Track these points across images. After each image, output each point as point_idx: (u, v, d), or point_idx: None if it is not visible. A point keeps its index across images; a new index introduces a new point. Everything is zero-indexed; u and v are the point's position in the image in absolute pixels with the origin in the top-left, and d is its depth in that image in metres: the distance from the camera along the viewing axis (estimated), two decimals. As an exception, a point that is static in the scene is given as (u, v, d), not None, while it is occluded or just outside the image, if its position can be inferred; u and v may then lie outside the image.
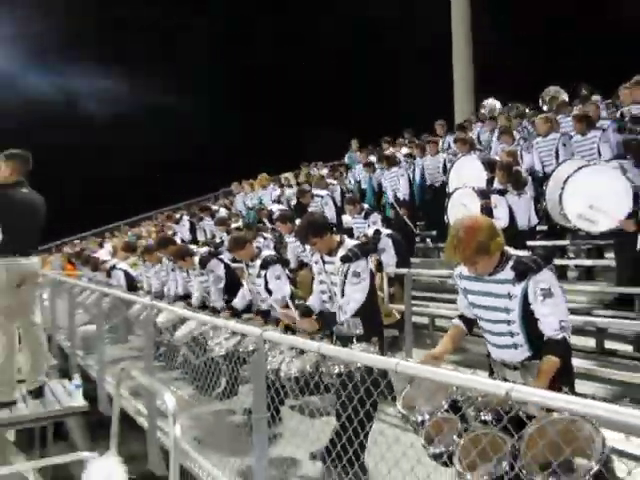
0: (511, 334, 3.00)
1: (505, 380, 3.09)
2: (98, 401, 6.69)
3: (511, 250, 3.04)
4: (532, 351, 2.99)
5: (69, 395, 5.32)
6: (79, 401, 5.19)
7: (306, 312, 4.53)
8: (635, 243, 5.40)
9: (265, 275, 5.40)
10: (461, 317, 3.39)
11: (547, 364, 2.85)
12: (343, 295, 4.21)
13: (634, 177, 5.50)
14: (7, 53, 31.68)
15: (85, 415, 5.71)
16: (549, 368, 2.84)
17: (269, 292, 5.41)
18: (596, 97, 10.00)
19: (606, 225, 5.39)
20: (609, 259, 7.05)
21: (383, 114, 22.36)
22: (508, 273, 2.96)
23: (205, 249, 7.03)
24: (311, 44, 27.98)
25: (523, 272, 2.92)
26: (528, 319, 2.94)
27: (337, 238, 4.31)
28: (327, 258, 4.32)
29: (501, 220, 6.28)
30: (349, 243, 4.29)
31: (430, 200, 10.16)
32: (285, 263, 5.73)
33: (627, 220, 5.18)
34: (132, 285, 9.69)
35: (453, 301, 7.96)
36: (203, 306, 6.69)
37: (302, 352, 3.82)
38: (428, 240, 10.75)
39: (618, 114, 7.15)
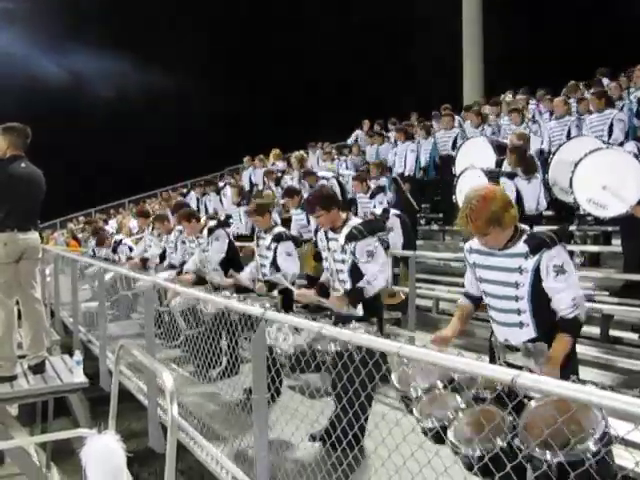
0: (518, 311, 2.93)
1: (507, 363, 3.06)
2: (100, 377, 6.72)
3: (523, 225, 2.99)
4: (537, 332, 2.93)
5: (70, 371, 5.29)
6: (80, 377, 5.16)
7: (322, 289, 4.47)
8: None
9: (276, 249, 5.34)
10: (467, 295, 3.34)
11: (560, 343, 2.82)
12: (352, 274, 4.12)
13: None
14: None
15: (86, 391, 5.70)
16: (562, 347, 2.82)
17: (275, 267, 5.35)
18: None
19: (617, 210, 5.30)
20: (616, 245, 6.96)
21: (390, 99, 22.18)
22: (521, 247, 2.90)
23: (214, 221, 6.95)
24: (312, 27, 27.64)
25: (537, 246, 2.86)
26: (537, 296, 2.88)
27: (343, 215, 4.25)
28: (331, 234, 4.26)
29: (509, 204, 6.20)
30: (354, 221, 4.21)
31: (435, 179, 10.04)
32: (296, 242, 5.66)
33: (638, 206, 5.09)
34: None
35: (457, 284, 8.00)
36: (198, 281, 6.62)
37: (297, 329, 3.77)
38: (433, 223, 10.68)
39: (634, 98, 7.05)
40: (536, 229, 6.34)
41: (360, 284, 4.07)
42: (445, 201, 9.34)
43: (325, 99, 27.20)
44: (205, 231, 6.47)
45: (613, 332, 5.42)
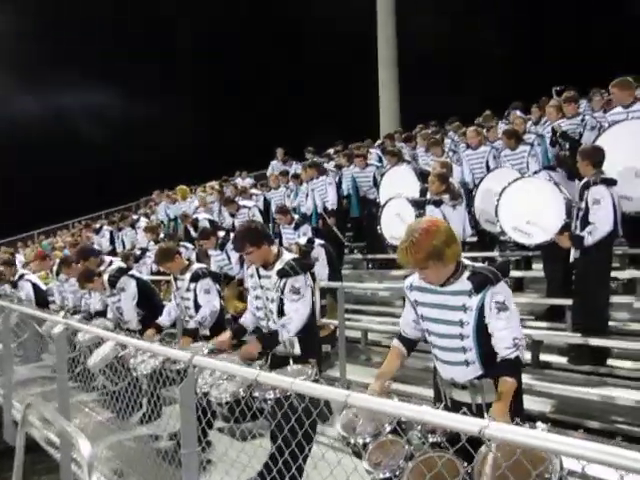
0: (463, 350, 2.82)
1: (453, 400, 2.95)
2: (3, 429, 6.12)
3: (466, 260, 2.87)
4: (484, 369, 2.83)
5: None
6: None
7: (239, 332, 4.23)
8: (564, 255, 5.44)
9: (195, 289, 5.06)
10: (400, 338, 3.19)
11: (505, 386, 2.70)
12: (280, 313, 3.91)
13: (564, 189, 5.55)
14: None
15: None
16: (507, 390, 2.69)
17: (198, 307, 5.08)
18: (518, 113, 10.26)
19: (541, 238, 5.40)
20: (537, 270, 7.12)
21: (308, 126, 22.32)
22: (464, 284, 2.78)
23: (116, 265, 6.49)
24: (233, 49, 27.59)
25: (480, 283, 2.75)
26: (482, 334, 2.78)
27: (275, 250, 4.02)
28: (263, 272, 4.01)
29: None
30: (287, 257, 3.99)
31: (362, 212, 10.03)
32: (216, 277, 5.39)
33: (561, 235, 5.21)
34: (41, 299, 8.94)
35: (385, 314, 7.96)
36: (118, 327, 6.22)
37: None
38: (356, 251, 10.66)
39: (549, 129, 7.30)
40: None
41: (274, 327, 3.89)
42: (368, 230, 9.32)
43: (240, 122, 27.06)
44: (106, 283, 6.07)
45: (542, 357, 5.47)
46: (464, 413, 2.68)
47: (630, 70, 7.61)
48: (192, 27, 28.97)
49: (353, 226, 10.64)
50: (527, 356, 5.40)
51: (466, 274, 2.80)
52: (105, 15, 28.91)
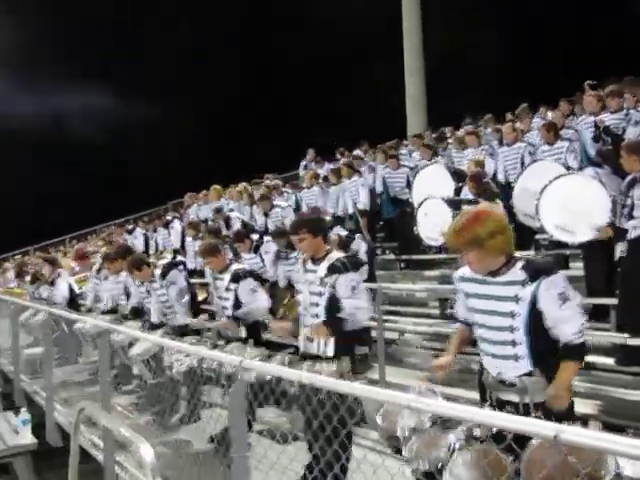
0: (513, 343, 2.78)
1: (499, 400, 2.88)
2: (46, 431, 6.18)
3: (519, 253, 2.88)
4: (533, 365, 2.77)
5: (15, 432, 4.79)
6: (27, 438, 4.66)
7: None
8: (608, 253, 5.31)
9: (236, 289, 5.05)
10: (462, 322, 3.19)
11: (566, 370, 2.70)
12: (328, 308, 3.89)
13: (609, 185, 5.42)
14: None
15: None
16: (569, 374, 2.70)
17: (238, 308, 5.06)
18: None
19: (585, 236, 5.29)
20: (574, 269, 6.97)
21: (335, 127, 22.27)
22: (517, 274, 2.76)
23: (166, 260, 6.55)
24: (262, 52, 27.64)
25: (535, 272, 2.73)
26: (534, 326, 2.74)
27: (326, 247, 4.04)
28: (309, 266, 4.03)
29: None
30: (336, 254, 4.01)
31: (395, 214, 9.95)
32: (258, 278, 5.37)
33: (606, 227, 5.10)
34: (74, 300, 9.12)
35: (421, 315, 7.88)
36: (160, 324, 6.24)
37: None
38: (388, 252, 10.58)
39: (588, 121, 7.15)
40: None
41: (341, 314, 3.86)
42: (401, 230, 9.23)
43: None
44: (157, 273, 6.06)
45: (587, 358, 5.34)
46: (510, 412, 2.69)
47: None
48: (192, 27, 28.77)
49: (384, 226, 10.56)
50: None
51: (519, 264, 2.78)
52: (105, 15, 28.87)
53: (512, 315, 2.75)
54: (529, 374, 2.78)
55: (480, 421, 1.77)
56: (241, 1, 28.75)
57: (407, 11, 19.09)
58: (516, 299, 2.74)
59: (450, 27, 23.12)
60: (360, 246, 6.86)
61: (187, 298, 5.96)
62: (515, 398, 2.82)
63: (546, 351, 2.76)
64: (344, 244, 6.51)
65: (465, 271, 2.99)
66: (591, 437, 1.58)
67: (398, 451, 2.86)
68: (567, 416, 2.68)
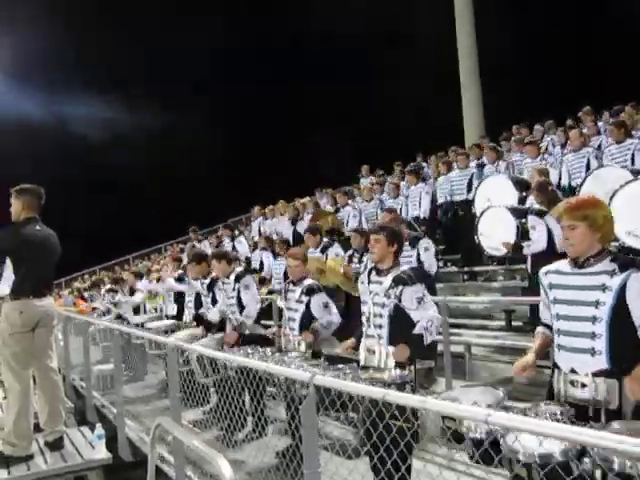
0: (593, 335, 2.70)
1: (569, 403, 2.75)
2: (118, 446, 6.32)
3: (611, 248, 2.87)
4: (610, 363, 2.67)
5: (90, 445, 4.93)
6: (102, 452, 4.78)
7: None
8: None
9: (308, 303, 5.09)
10: (544, 325, 3.11)
11: None
12: (392, 320, 3.87)
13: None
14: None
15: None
16: None
17: (306, 322, 5.08)
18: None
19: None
20: None
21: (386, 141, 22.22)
22: (606, 265, 2.75)
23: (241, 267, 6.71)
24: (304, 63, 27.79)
25: (625, 263, 2.71)
26: (617, 319, 2.65)
27: (394, 260, 4.02)
28: (374, 277, 4.02)
29: (539, 243, 5.94)
30: (402, 267, 4.02)
31: (451, 221, 9.80)
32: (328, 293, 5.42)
33: None
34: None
35: (486, 327, 7.70)
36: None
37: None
38: (449, 264, 10.40)
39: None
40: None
41: (417, 331, 3.81)
42: (464, 242, 9.07)
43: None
44: (232, 276, 6.13)
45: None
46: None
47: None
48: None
49: (444, 236, 10.37)
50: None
51: (609, 257, 2.76)
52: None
53: (597, 304, 2.70)
54: (604, 373, 2.68)
55: (588, 443, 1.67)
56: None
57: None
58: (603, 288, 2.70)
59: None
60: (429, 244, 6.61)
61: (258, 306, 6.06)
62: (587, 396, 2.72)
63: (626, 351, 2.64)
64: (413, 238, 6.46)
65: (551, 266, 2.99)
66: None
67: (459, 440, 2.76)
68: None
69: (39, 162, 25.86)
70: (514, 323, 7.20)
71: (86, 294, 17.20)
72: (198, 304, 7.28)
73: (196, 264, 6.91)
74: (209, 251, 9.68)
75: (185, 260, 9.31)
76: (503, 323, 7.27)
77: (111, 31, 28.76)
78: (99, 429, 4.88)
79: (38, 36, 27.39)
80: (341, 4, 24.74)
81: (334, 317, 5.12)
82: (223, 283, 6.23)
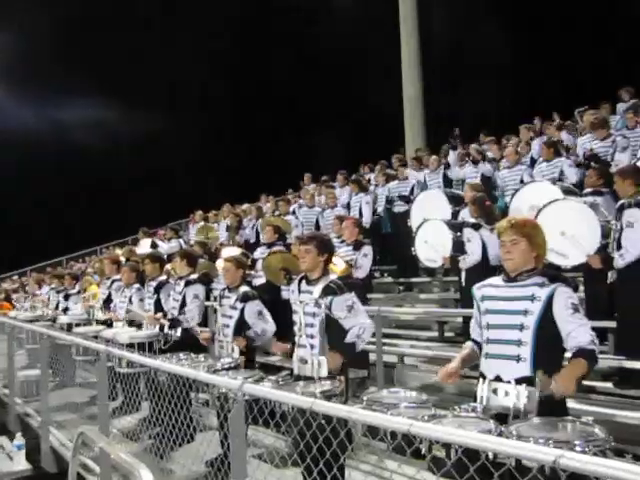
0: (519, 343, 2.89)
1: (497, 415, 2.86)
2: (41, 457, 6.09)
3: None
4: (532, 371, 2.84)
5: (9, 457, 4.72)
6: (22, 464, 4.59)
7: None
8: (606, 276, 5.35)
9: (242, 309, 5.06)
10: (472, 340, 3.28)
11: (576, 365, 2.77)
12: (325, 329, 3.90)
13: (606, 209, 5.49)
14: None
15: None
16: (578, 369, 2.77)
17: (241, 328, 5.06)
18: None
19: (577, 259, 5.36)
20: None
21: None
22: (537, 278, 2.96)
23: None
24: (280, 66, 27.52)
25: (553, 277, 2.96)
26: (543, 329, 2.86)
27: (323, 269, 4.04)
28: (304, 287, 4.05)
29: (474, 255, 6.15)
30: (331, 277, 4.04)
31: (390, 232, 9.98)
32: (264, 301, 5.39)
33: (594, 256, 5.18)
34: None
35: (419, 338, 7.85)
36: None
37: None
38: (386, 275, 10.57)
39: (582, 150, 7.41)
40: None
41: (349, 339, 3.86)
42: (401, 254, 9.24)
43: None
44: (182, 282, 6.04)
45: (586, 381, 5.32)
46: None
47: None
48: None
49: (381, 246, 10.48)
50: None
51: (540, 273, 2.99)
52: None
53: (525, 313, 2.90)
54: (526, 380, 2.85)
55: (474, 445, 1.75)
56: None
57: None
58: (532, 298, 2.90)
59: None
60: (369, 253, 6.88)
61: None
62: (509, 404, 2.87)
63: (549, 359, 2.85)
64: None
65: (484, 282, 3.19)
66: (590, 462, 1.60)
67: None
68: (561, 412, 2.82)
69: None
70: (446, 334, 7.38)
71: (14, 296, 16.57)
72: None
73: (151, 262, 6.75)
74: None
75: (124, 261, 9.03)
76: (436, 334, 7.43)
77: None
78: (19, 439, 4.70)
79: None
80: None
81: (268, 325, 5.10)
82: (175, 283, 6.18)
